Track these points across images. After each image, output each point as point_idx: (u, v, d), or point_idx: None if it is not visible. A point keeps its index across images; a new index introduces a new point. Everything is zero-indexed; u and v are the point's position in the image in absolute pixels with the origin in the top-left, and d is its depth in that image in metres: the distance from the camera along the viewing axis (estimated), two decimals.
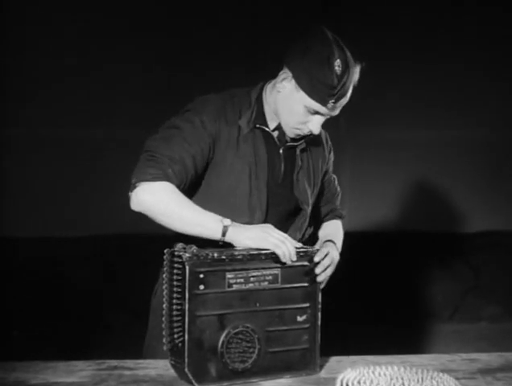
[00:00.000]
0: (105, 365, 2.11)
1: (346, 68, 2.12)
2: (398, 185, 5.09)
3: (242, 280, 1.99)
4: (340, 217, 2.55)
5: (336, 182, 2.55)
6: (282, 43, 5.07)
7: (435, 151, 5.11)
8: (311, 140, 2.33)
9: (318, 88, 2.11)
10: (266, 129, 2.24)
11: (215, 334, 1.96)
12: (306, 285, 2.06)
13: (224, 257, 1.97)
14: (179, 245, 1.99)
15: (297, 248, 2.08)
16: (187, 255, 1.93)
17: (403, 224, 5.12)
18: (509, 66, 5.07)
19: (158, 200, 2.09)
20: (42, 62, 4.69)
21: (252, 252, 2.01)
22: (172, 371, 2.02)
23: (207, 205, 2.15)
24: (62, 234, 4.70)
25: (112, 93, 4.71)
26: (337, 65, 2.11)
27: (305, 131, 2.21)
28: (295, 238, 2.22)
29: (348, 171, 5.00)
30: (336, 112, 2.19)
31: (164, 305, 1.99)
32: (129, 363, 2.11)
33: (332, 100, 2.13)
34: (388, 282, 5.04)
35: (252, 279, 2.00)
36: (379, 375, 1.93)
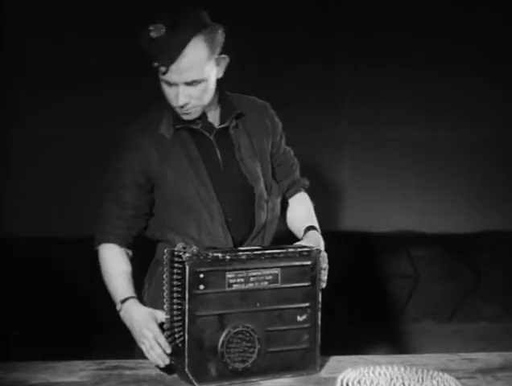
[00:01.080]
0: (105, 365, 2.11)
1: (168, 31, 2.10)
2: (398, 185, 5.09)
3: (242, 280, 1.99)
4: (303, 187, 2.51)
5: (292, 154, 2.49)
6: (282, 43, 5.06)
7: (435, 151, 5.11)
8: (246, 115, 2.33)
9: (149, 58, 2.14)
10: (186, 126, 2.26)
11: (215, 334, 1.97)
12: (306, 284, 2.06)
13: (224, 257, 1.97)
14: (180, 245, 2.00)
15: (299, 247, 2.08)
16: (188, 255, 1.93)
17: (403, 224, 5.12)
18: (509, 65, 5.07)
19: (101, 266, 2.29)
20: (42, 60, 4.69)
21: (253, 253, 2.01)
22: (169, 370, 2.02)
23: (168, 216, 2.26)
24: (62, 234, 4.70)
25: (112, 93, 4.71)
26: (152, 29, 2.11)
27: (178, 107, 2.20)
28: (261, 218, 2.28)
29: (348, 171, 5.00)
30: (187, 75, 2.14)
31: (164, 306, 1.99)
32: (129, 362, 2.12)
33: (158, 64, 2.12)
34: (387, 282, 5.04)
35: (252, 279, 2.00)
36: (379, 374, 1.93)
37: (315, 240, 2.25)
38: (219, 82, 2.26)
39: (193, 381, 1.95)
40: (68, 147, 4.74)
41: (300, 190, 2.50)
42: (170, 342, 1.99)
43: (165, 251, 2.01)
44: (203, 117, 2.27)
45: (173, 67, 2.12)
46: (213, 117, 2.30)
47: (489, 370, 2.11)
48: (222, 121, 2.30)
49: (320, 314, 2.08)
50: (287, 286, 2.04)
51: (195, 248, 1.96)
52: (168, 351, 1.99)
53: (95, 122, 4.73)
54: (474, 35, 5.04)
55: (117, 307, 2.16)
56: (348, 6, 4.91)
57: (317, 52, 4.89)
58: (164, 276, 2.00)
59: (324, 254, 2.16)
